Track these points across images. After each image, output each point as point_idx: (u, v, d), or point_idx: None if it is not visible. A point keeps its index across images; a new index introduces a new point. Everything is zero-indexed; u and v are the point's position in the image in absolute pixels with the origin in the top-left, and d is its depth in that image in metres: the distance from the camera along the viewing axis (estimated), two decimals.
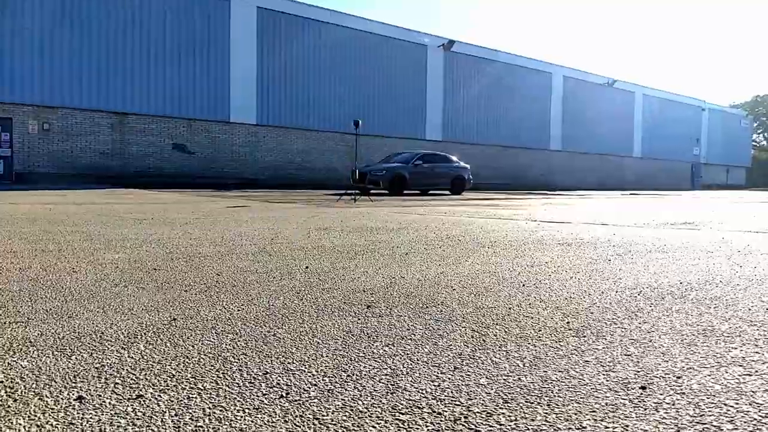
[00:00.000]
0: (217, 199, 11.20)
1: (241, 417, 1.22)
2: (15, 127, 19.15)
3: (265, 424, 1.19)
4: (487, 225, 6.22)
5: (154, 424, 1.18)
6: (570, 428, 1.18)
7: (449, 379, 1.46)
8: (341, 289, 2.60)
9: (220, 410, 1.26)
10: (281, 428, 1.18)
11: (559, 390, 1.39)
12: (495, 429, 1.18)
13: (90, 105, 20.37)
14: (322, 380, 1.44)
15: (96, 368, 1.51)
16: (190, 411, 1.25)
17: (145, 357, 1.61)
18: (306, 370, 1.52)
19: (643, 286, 2.73)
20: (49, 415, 1.22)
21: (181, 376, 1.46)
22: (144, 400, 1.30)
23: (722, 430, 1.18)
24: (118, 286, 2.60)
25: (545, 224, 6.40)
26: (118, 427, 1.17)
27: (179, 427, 1.17)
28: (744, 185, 50.45)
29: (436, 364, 1.57)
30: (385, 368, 1.54)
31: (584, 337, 1.86)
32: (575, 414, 1.25)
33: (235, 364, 1.56)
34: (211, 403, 1.30)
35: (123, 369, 1.51)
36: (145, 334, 1.84)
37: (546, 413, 1.26)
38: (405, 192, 18.30)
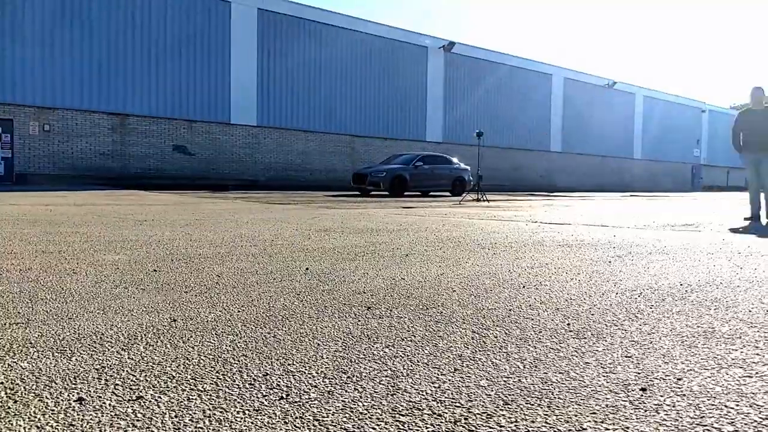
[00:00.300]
0: (217, 201, 11.20)
1: (241, 418, 1.22)
2: (16, 128, 19.16)
3: (264, 425, 1.19)
4: (487, 226, 6.22)
5: (154, 425, 1.18)
6: (570, 430, 1.18)
7: (449, 380, 1.46)
8: (341, 290, 2.60)
9: (220, 411, 1.25)
10: (281, 429, 1.17)
11: (559, 391, 1.39)
12: (495, 430, 1.18)
13: (91, 106, 20.38)
14: (323, 381, 1.44)
15: (96, 369, 1.51)
16: (190, 412, 1.25)
17: (145, 358, 1.61)
18: (306, 371, 1.52)
19: (644, 288, 2.73)
20: (50, 416, 1.22)
21: (181, 377, 1.46)
22: (144, 402, 1.30)
23: (723, 431, 1.18)
24: (119, 287, 2.60)
25: (546, 226, 6.40)
26: (118, 428, 1.17)
27: (179, 428, 1.17)
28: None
29: (437, 366, 1.57)
30: (386, 370, 1.54)
31: (585, 338, 1.86)
32: (576, 415, 1.25)
33: (235, 365, 1.56)
34: (211, 404, 1.29)
35: (123, 370, 1.50)
36: (145, 335, 1.84)
37: (546, 415, 1.25)
38: (405, 193, 18.29)
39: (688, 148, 45.07)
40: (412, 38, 28.52)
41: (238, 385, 1.42)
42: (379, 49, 27.23)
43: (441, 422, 1.22)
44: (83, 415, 1.22)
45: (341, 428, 1.18)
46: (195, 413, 1.24)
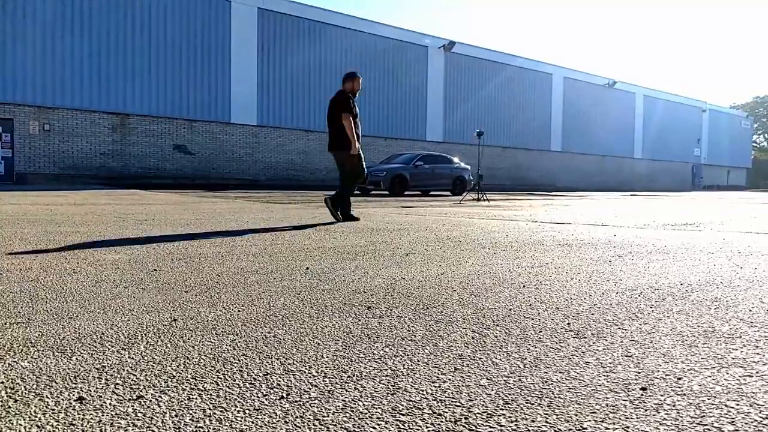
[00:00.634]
0: (217, 200, 11.20)
1: (242, 418, 1.22)
2: (16, 127, 19.18)
3: (265, 425, 1.19)
4: (487, 226, 6.22)
5: (154, 425, 1.18)
6: (571, 429, 1.18)
7: (450, 380, 1.46)
8: (342, 289, 2.60)
9: (221, 411, 1.26)
10: (281, 429, 1.17)
11: (559, 391, 1.39)
12: (495, 430, 1.18)
13: (91, 106, 20.39)
14: (323, 381, 1.44)
15: (96, 369, 1.51)
16: (191, 412, 1.25)
17: (146, 358, 1.61)
18: (306, 370, 1.52)
19: (644, 287, 2.73)
20: (50, 415, 1.22)
21: (182, 376, 1.46)
22: (144, 401, 1.30)
23: (723, 431, 1.18)
24: (119, 286, 2.60)
25: (546, 225, 6.40)
26: (118, 428, 1.17)
27: (180, 427, 1.17)
28: (744, 186, 50.44)
29: (437, 365, 1.57)
30: (386, 369, 1.54)
31: (585, 338, 1.86)
32: (576, 415, 1.25)
33: (235, 364, 1.56)
34: (211, 403, 1.30)
35: (123, 370, 1.51)
36: (145, 334, 1.84)
37: (547, 414, 1.26)
38: (406, 193, 18.29)
39: (688, 147, 45.07)
40: (412, 38, 28.52)
41: (238, 384, 1.42)
42: (379, 49, 27.24)
43: (441, 422, 1.22)
44: (84, 415, 1.22)
45: (341, 428, 1.18)
46: (195, 413, 1.24)
